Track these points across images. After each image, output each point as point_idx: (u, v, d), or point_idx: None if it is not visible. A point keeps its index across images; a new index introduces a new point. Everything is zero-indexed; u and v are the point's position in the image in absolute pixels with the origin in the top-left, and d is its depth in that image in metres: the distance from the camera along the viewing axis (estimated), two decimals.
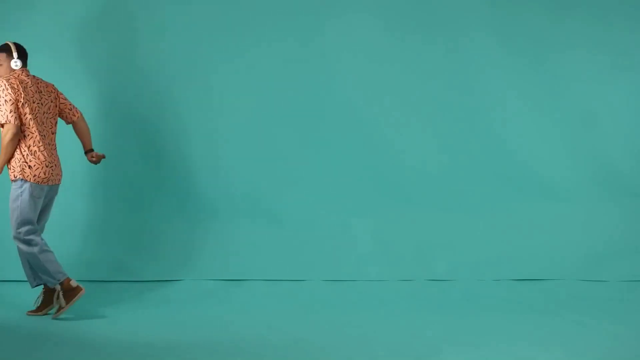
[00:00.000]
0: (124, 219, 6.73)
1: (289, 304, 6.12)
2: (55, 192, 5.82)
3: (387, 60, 7.15)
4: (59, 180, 5.78)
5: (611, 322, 5.77)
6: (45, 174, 5.62)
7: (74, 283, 5.62)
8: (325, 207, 7.01)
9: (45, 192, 5.67)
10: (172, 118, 6.85)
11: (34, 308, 5.76)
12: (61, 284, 5.61)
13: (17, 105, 5.53)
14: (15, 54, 5.68)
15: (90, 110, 6.68)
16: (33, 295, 6.03)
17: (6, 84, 5.54)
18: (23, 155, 5.58)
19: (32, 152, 5.60)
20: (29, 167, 5.58)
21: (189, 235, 6.77)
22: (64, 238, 6.56)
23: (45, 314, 5.71)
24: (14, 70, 5.68)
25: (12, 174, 5.61)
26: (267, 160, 6.95)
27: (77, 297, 5.59)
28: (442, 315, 5.93)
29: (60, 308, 5.60)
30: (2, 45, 5.73)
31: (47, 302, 5.74)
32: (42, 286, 5.81)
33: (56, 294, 5.62)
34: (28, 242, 5.61)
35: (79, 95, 6.64)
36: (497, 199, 7.21)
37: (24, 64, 5.72)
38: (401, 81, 7.16)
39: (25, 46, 5.76)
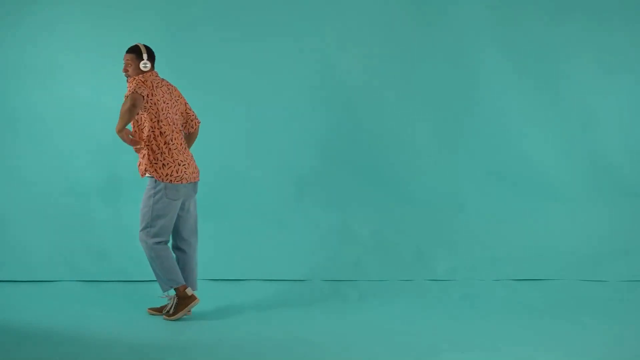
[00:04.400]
0: (124, 219, 6.72)
1: (289, 304, 6.12)
2: (195, 191, 5.75)
3: (388, 61, 7.15)
4: (195, 177, 5.72)
5: (611, 322, 5.77)
6: (177, 172, 5.58)
7: (189, 291, 5.64)
8: (325, 207, 7.01)
9: (181, 192, 5.63)
10: None
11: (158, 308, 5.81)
12: (177, 291, 5.65)
13: (145, 94, 5.46)
14: (144, 56, 5.62)
15: (91, 110, 6.69)
16: (34, 295, 6.04)
17: (140, 80, 5.51)
18: (155, 155, 5.55)
19: (163, 151, 5.56)
20: (163, 165, 5.55)
21: None
22: (64, 238, 6.56)
23: (186, 314, 5.73)
24: (143, 72, 5.62)
25: (144, 171, 5.57)
26: (267, 160, 6.96)
27: (190, 305, 5.62)
28: (442, 315, 5.93)
29: (157, 310, 5.68)
30: (131, 47, 5.65)
31: (182, 306, 5.72)
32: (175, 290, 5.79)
33: (172, 299, 5.67)
34: (147, 243, 5.61)
35: (79, 95, 6.66)
36: (497, 199, 7.21)
37: (152, 67, 5.67)
38: (401, 81, 7.17)
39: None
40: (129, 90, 5.51)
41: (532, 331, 5.50)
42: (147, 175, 5.61)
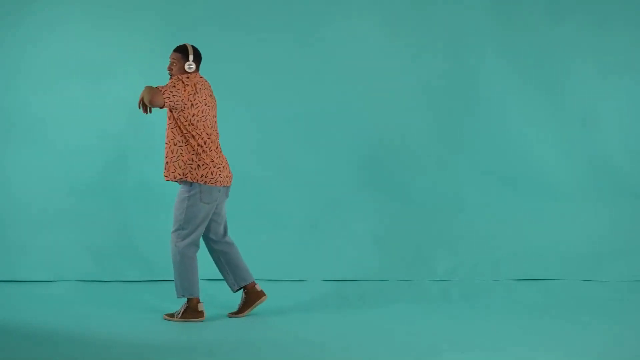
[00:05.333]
0: (125, 219, 6.72)
1: (289, 304, 6.12)
2: (227, 195, 5.75)
3: (388, 61, 7.15)
4: (229, 182, 5.71)
5: (611, 322, 5.77)
6: (212, 174, 5.57)
7: (200, 306, 5.66)
8: (325, 207, 7.01)
9: (214, 196, 5.61)
10: None
11: (237, 310, 5.83)
12: (190, 300, 5.66)
13: (183, 99, 5.44)
14: (190, 57, 5.60)
15: (91, 110, 6.69)
16: (34, 295, 6.05)
17: (183, 80, 5.49)
18: (190, 156, 5.53)
19: (199, 152, 5.54)
20: (198, 166, 5.54)
21: None
22: (64, 238, 6.56)
23: (245, 315, 5.77)
24: (188, 73, 5.60)
25: (178, 175, 5.55)
26: (267, 161, 6.96)
27: (193, 320, 5.63)
28: (442, 315, 5.94)
29: (173, 315, 5.67)
30: (179, 46, 5.65)
31: (248, 304, 5.77)
32: (243, 288, 5.82)
33: (181, 309, 5.66)
34: (176, 246, 5.60)
35: (80, 95, 6.66)
36: (497, 199, 7.22)
37: (197, 68, 5.65)
38: (401, 82, 7.17)
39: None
40: (171, 84, 5.45)
41: (532, 331, 5.49)
42: (179, 178, 5.56)
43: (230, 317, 5.80)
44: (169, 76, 5.63)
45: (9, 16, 6.61)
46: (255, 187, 6.97)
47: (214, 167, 5.56)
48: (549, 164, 7.34)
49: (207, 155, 5.55)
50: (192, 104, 5.49)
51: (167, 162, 5.59)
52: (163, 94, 5.39)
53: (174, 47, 6.84)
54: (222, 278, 5.98)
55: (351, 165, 7.10)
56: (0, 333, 5.20)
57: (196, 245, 5.66)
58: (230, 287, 5.83)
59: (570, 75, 7.39)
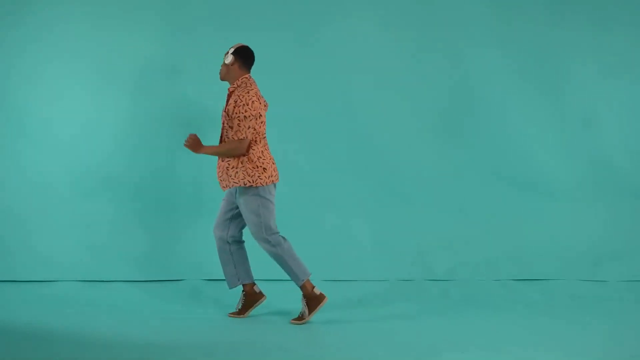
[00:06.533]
0: (125, 219, 6.72)
1: (289, 304, 6.12)
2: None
3: (387, 61, 7.15)
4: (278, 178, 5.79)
5: (611, 322, 5.77)
6: (274, 171, 5.66)
7: (317, 290, 5.68)
8: (325, 207, 7.01)
9: (272, 191, 5.68)
10: (174, 119, 6.84)
11: (236, 310, 5.83)
12: (304, 289, 5.67)
13: (257, 119, 5.53)
14: (231, 49, 5.66)
15: (93, 110, 6.69)
16: (34, 295, 6.04)
17: (255, 98, 5.54)
18: (256, 161, 5.59)
19: (264, 154, 5.61)
20: (264, 169, 5.59)
21: (190, 235, 6.77)
22: (64, 238, 6.56)
23: (246, 317, 5.78)
24: (245, 75, 5.65)
25: (244, 181, 5.57)
26: None
27: (320, 305, 5.65)
28: (442, 315, 5.94)
29: (302, 317, 5.67)
30: (237, 47, 5.67)
31: (248, 305, 5.79)
32: (242, 288, 5.84)
33: (303, 301, 5.69)
34: (271, 244, 5.64)
35: (80, 95, 6.65)
36: (496, 199, 7.22)
37: (249, 70, 5.70)
38: (401, 82, 7.17)
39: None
40: (249, 98, 5.51)
41: (532, 331, 5.50)
42: (243, 186, 5.58)
43: (230, 317, 5.80)
44: (220, 77, 5.70)
45: (9, 16, 6.61)
46: None
47: (273, 163, 5.67)
48: (549, 164, 7.34)
49: (267, 155, 5.64)
50: (260, 115, 5.57)
51: (227, 171, 5.61)
52: (243, 140, 5.51)
53: (174, 46, 6.87)
54: (222, 275, 5.98)
55: (351, 165, 7.10)
56: (0, 333, 5.20)
57: (278, 234, 5.69)
58: (229, 281, 5.81)
59: (571, 75, 7.39)
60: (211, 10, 6.88)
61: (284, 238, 5.69)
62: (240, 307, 5.83)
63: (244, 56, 5.65)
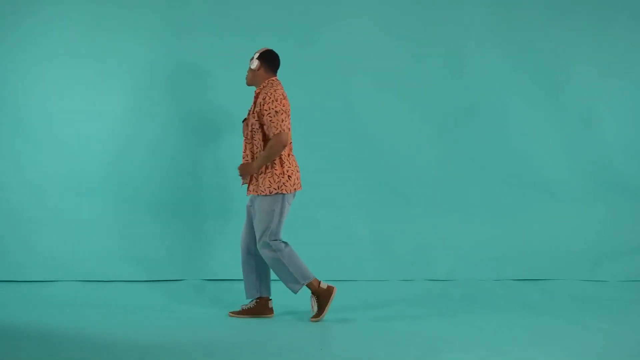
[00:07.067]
0: (125, 219, 6.72)
1: (289, 304, 6.13)
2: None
3: (387, 61, 7.15)
4: (300, 186, 5.80)
5: (611, 322, 5.77)
6: (298, 179, 5.69)
7: (324, 285, 5.70)
8: (325, 207, 7.01)
9: (290, 200, 5.70)
10: (175, 120, 6.84)
11: (240, 310, 5.87)
12: (311, 286, 5.68)
13: (288, 115, 5.57)
14: (256, 54, 5.71)
15: (93, 111, 6.69)
16: (34, 295, 6.04)
17: (281, 95, 5.57)
18: (284, 167, 5.62)
19: (290, 161, 5.65)
20: (289, 177, 5.62)
21: (190, 235, 6.77)
22: (64, 238, 6.56)
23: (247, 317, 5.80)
24: (271, 78, 5.68)
25: (268, 189, 5.59)
26: None
27: (331, 298, 5.68)
28: (442, 315, 5.94)
29: (318, 314, 5.68)
30: (262, 52, 5.73)
31: (256, 313, 5.80)
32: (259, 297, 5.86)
33: (312, 300, 5.72)
34: (273, 250, 5.65)
35: (80, 94, 6.66)
36: (497, 199, 7.22)
37: (275, 73, 5.76)
38: (401, 82, 7.17)
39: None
40: (277, 95, 5.55)
41: (532, 331, 5.50)
42: (275, 193, 5.60)
43: (231, 316, 5.81)
44: (247, 83, 5.77)
45: (9, 16, 6.61)
46: None
47: (298, 171, 5.71)
48: (549, 164, 7.34)
49: (293, 162, 5.69)
50: (289, 113, 5.64)
51: (257, 177, 5.64)
52: (280, 133, 5.52)
53: (175, 46, 6.87)
54: (222, 275, 5.99)
55: (351, 165, 7.10)
56: (0, 333, 5.20)
57: (280, 240, 5.69)
58: (248, 291, 5.82)
59: (571, 75, 7.39)
60: (211, 10, 6.88)
61: (285, 243, 5.70)
62: (247, 309, 5.82)
63: (269, 60, 5.72)
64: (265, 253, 5.67)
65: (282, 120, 5.53)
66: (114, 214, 6.71)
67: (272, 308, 5.85)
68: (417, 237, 7.05)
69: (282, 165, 5.61)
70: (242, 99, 6.97)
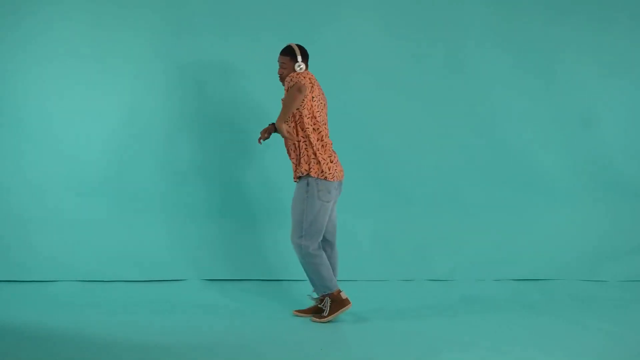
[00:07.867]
0: (124, 219, 6.72)
1: (289, 304, 6.13)
2: (340, 190, 5.80)
3: (387, 61, 7.15)
4: (342, 176, 5.78)
5: (611, 322, 5.77)
6: (330, 170, 5.65)
7: (343, 295, 5.69)
8: None
9: (332, 193, 5.68)
10: (175, 121, 6.84)
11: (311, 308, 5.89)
12: (331, 294, 5.69)
13: (303, 88, 5.50)
14: (299, 57, 5.71)
15: (93, 111, 6.69)
16: (34, 295, 6.03)
17: (301, 74, 5.60)
18: (309, 153, 5.63)
19: (318, 148, 5.64)
20: (317, 162, 5.62)
21: (190, 235, 6.77)
22: (64, 238, 6.56)
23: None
24: (299, 73, 5.68)
25: (305, 171, 5.63)
26: (267, 161, 6.95)
27: (343, 309, 5.66)
28: (442, 315, 5.94)
29: (323, 316, 5.68)
30: (285, 48, 5.77)
31: (334, 309, 5.75)
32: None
33: (325, 301, 5.70)
34: (301, 248, 5.65)
35: (81, 94, 6.66)
36: (497, 199, 7.22)
37: (307, 66, 5.76)
38: (401, 82, 7.16)
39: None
40: (292, 81, 5.55)
41: (532, 331, 5.50)
42: (306, 174, 5.62)
43: (296, 314, 5.84)
44: (280, 81, 5.80)
45: (9, 16, 6.61)
46: (256, 187, 6.96)
47: (331, 162, 5.68)
48: (549, 164, 7.34)
49: (324, 150, 5.68)
50: (312, 97, 5.61)
51: (295, 162, 5.68)
52: (285, 122, 5.55)
53: (174, 46, 6.87)
54: (222, 275, 5.98)
55: (351, 165, 7.09)
56: (0, 333, 5.20)
57: (319, 244, 5.69)
58: (329, 285, 5.73)
59: (571, 75, 7.38)
60: (211, 10, 6.88)
61: (318, 252, 5.65)
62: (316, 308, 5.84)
63: (299, 53, 5.74)
64: (295, 250, 5.72)
65: (294, 84, 5.54)
66: (114, 214, 6.71)
67: (347, 298, 5.75)
68: (417, 237, 7.05)
69: (310, 149, 5.67)
70: (242, 98, 6.98)
